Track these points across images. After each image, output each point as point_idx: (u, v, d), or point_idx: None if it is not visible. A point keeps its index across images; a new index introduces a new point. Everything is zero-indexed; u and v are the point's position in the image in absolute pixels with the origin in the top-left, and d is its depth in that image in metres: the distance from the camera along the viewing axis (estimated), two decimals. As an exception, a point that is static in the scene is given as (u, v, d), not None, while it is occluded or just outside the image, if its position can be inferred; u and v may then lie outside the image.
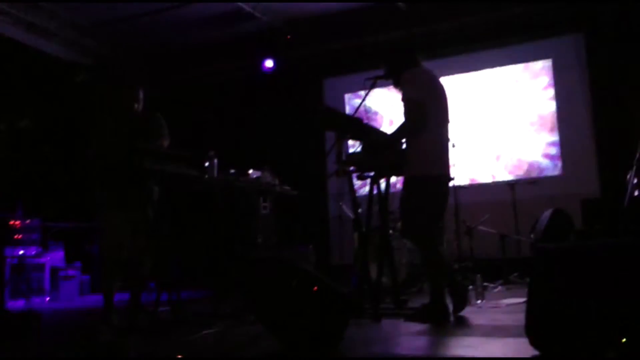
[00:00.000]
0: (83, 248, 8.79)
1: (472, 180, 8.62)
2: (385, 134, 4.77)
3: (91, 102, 8.91)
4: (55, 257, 8.17)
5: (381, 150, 4.62)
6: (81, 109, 9.13)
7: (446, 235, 7.18)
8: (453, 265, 6.72)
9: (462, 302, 4.47)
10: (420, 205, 4.33)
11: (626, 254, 2.67)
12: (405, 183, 4.45)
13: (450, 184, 4.64)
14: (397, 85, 4.61)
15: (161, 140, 4.71)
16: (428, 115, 4.33)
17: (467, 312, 4.57)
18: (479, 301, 5.10)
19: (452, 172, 4.64)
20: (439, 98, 4.53)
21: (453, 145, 4.94)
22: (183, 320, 4.70)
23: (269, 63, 9.56)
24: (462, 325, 4.08)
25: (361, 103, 4.73)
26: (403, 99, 4.41)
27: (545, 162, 8.37)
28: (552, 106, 8.40)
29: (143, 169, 4.43)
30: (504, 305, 4.94)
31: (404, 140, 4.52)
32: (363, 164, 4.80)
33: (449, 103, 4.61)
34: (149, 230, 4.62)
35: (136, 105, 4.78)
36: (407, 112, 4.38)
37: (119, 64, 9.70)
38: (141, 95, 4.82)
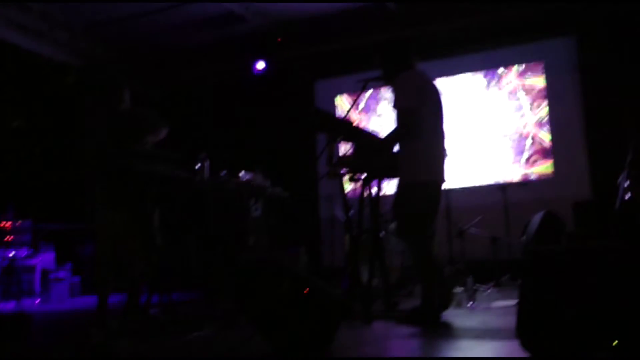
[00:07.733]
0: (74, 250, 8.77)
1: (463, 183, 8.62)
2: (377, 137, 4.76)
3: (82, 103, 8.89)
4: (46, 258, 8.13)
5: (373, 153, 4.61)
6: (72, 110, 9.11)
7: (438, 238, 7.17)
8: (445, 269, 6.72)
9: (446, 302, 4.47)
10: (412, 210, 4.32)
11: (617, 257, 2.68)
12: (398, 188, 4.44)
13: (442, 187, 4.61)
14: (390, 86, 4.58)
15: (149, 135, 4.70)
16: (420, 121, 4.30)
17: (458, 314, 4.57)
18: (470, 303, 5.10)
19: (445, 176, 4.61)
20: (433, 103, 4.46)
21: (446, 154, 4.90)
22: (174, 322, 4.68)
23: (260, 65, 9.56)
24: (453, 328, 4.08)
25: (352, 105, 4.72)
26: (395, 106, 4.35)
27: (536, 164, 8.38)
28: (543, 108, 8.41)
29: (133, 171, 4.42)
30: (495, 308, 4.95)
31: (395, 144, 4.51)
32: (355, 166, 4.80)
33: (443, 106, 4.57)
34: (141, 231, 4.61)
35: (122, 106, 4.78)
36: (400, 119, 4.34)
37: (109, 65, 9.68)
38: (127, 96, 4.81)
